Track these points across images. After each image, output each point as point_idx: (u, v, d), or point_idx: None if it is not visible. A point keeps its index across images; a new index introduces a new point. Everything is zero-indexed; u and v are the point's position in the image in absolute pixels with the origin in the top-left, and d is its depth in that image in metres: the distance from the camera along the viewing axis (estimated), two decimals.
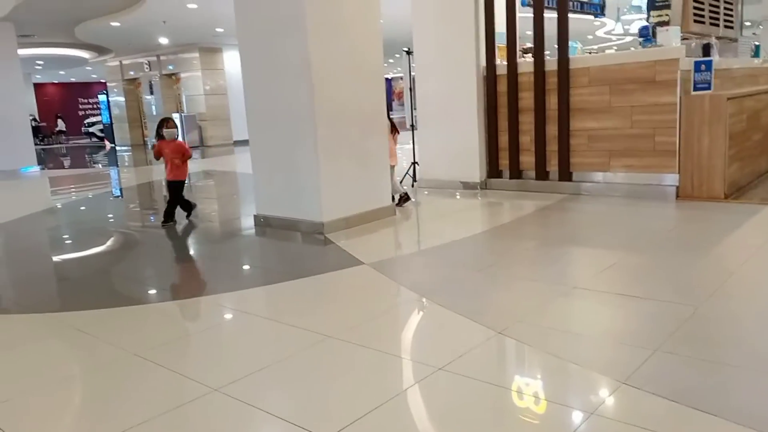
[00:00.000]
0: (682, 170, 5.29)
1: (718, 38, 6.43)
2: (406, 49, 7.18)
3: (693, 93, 5.18)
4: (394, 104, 35.22)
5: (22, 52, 13.45)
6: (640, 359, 2.27)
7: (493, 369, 2.43)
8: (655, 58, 5.33)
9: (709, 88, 5.15)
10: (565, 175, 5.99)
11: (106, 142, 21.90)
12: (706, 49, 6.13)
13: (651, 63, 5.33)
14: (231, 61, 17.83)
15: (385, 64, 5.30)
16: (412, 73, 7.13)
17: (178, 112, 18.53)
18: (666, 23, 6.31)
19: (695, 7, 6.01)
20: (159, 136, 5.81)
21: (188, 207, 5.97)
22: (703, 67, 5.16)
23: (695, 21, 6.03)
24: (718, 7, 6.46)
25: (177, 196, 5.84)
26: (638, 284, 3.24)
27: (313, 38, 4.65)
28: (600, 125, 5.71)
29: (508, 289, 3.33)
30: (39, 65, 22.03)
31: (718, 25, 6.48)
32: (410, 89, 7.24)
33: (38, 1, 9.98)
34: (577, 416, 1.95)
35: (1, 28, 11.73)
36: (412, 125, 7.33)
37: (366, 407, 2.05)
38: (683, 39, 5.79)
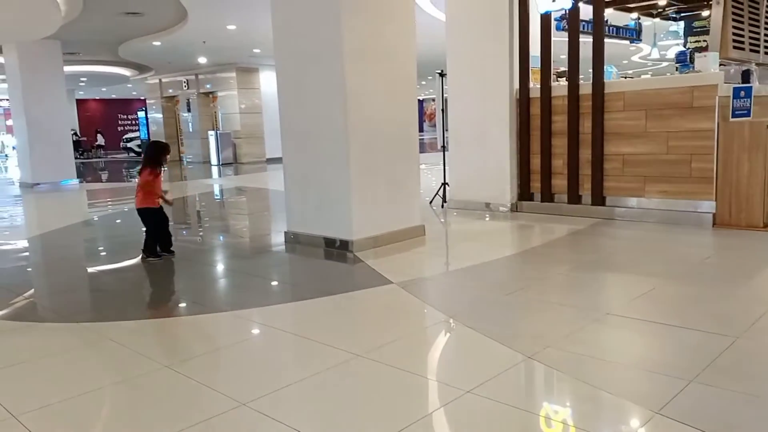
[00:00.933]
0: (720, 197, 5.18)
1: (758, 65, 6.31)
2: (439, 71, 7.23)
3: (732, 120, 5.09)
4: (425, 125, 35.38)
5: (67, 69, 13.92)
6: (675, 389, 2.20)
7: (522, 394, 2.39)
8: (693, 83, 5.26)
9: (748, 115, 5.05)
10: (598, 199, 5.92)
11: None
12: (746, 76, 6.02)
13: (688, 89, 5.26)
14: (267, 81, 18.15)
15: (417, 86, 5.34)
16: (445, 95, 7.17)
17: (213, 129, 18.91)
18: (704, 49, 6.23)
19: (735, 33, 5.92)
20: (159, 163, 5.02)
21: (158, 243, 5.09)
22: (742, 93, 5.07)
23: (734, 47, 5.93)
24: (758, 33, 6.35)
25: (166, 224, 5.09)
26: (674, 313, 3.16)
27: (350, 62, 4.72)
28: (635, 150, 5.64)
29: (538, 313, 3.29)
30: (82, 82, 22.76)
31: (758, 52, 6.36)
32: (442, 110, 7.28)
33: (85, 20, 10.35)
34: None
35: (48, 45, 12.17)
36: (444, 146, 7.36)
37: (393, 428, 2.04)
38: (721, 65, 5.70)
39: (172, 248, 5.12)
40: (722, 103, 5.13)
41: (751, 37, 6.22)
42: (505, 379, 2.42)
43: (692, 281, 3.76)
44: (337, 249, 4.96)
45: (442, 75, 7.16)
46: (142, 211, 5.02)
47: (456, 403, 2.21)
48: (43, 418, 2.25)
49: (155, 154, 5.06)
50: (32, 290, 4.42)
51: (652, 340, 2.83)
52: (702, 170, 5.26)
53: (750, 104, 5.04)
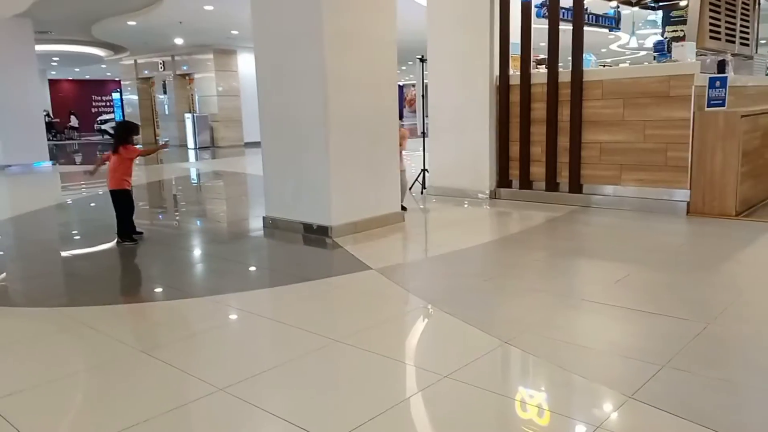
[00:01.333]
0: (694, 186, 5.27)
1: (733, 55, 6.41)
2: (419, 56, 7.20)
3: (707, 109, 5.16)
4: (405, 111, 35.29)
5: (38, 48, 13.55)
6: (647, 374, 2.25)
7: (499, 379, 2.42)
8: (670, 73, 5.32)
9: (723, 105, 5.13)
10: (576, 187, 5.98)
11: None
12: (721, 66, 6.11)
13: (665, 78, 5.32)
14: (245, 63, 17.93)
15: (398, 71, 5.32)
16: (425, 81, 7.15)
17: (190, 112, 18.64)
18: (681, 39, 6.29)
19: (711, 24, 6.00)
20: (128, 142, 4.88)
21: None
22: (717, 83, 5.14)
23: (711, 37, 6.01)
24: (734, 24, 6.44)
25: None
26: (648, 299, 3.22)
27: (330, 47, 4.68)
28: (612, 138, 5.70)
29: (515, 299, 3.32)
30: (55, 62, 22.22)
31: (734, 42, 6.45)
32: (423, 97, 7.26)
33: None
34: (581, 430, 1.94)
35: (19, 23, 11.83)
36: (423, 132, 7.35)
37: (370, 412, 2.05)
38: (698, 55, 5.77)
39: (138, 230, 5.09)
40: (698, 93, 5.19)
41: (727, 28, 6.31)
42: (482, 364, 2.44)
43: (666, 268, 3.83)
44: (315, 234, 4.94)
45: (422, 60, 7.13)
46: (118, 193, 4.93)
47: (433, 388, 2.23)
48: (16, 403, 2.22)
49: (129, 134, 5.00)
50: (4, 274, 4.34)
51: (626, 325, 2.88)
52: (677, 159, 5.33)
53: (725, 94, 5.12)
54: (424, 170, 7.21)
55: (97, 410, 2.20)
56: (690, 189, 5.29)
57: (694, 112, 5.20)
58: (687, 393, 2.13)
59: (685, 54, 5.45)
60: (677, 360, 2.37)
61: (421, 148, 7.34)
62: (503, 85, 6.41)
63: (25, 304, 3.59)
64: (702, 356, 2.43)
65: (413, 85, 34.54)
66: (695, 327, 2.72)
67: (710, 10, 5.99)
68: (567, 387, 2.26)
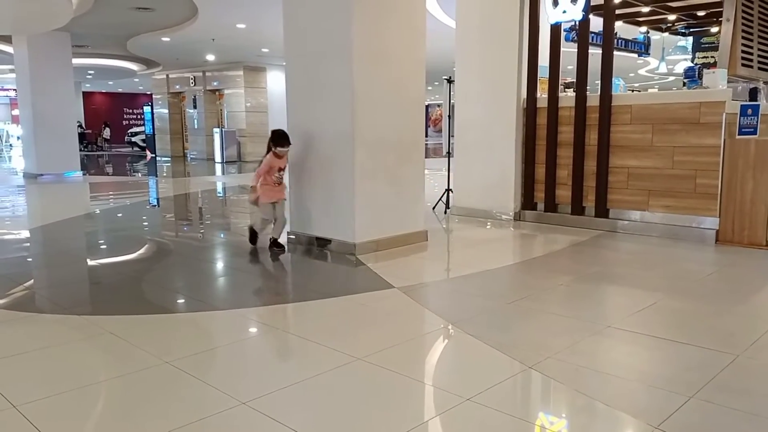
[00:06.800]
0: (723, 214, 5.18)
1: (765, 83, 6.33)
2: (446, 77, 7.25)
3: (738, 137, 5.10)
4: (429, 131, 35.42)
5: (75, 61, 13.93)
6: (675, 405, 2.20)
7: (522, 404, 2.39)
8: (701, 99, 5.27)
9: (754, 133, 5.06)
10: (602, 211, 5.92)
11: (148, 152, 22.49)
12: (753, 94, 6.03)
13: (696, 104, 5.27)
14: (274, 80, 18.20)
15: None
16: (452, 101, 7.18)
17: (219, 127, 18.93)
18: (712, 65, 6.23)
19: (743, 51, 5.94)
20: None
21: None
22: (749, 111, 5.08)
23: (743, 65, 5.94)
24: (767, 51, 6.36)
25: None
26: (675, 328, 3.16)
27: (359, 66, 4.74)
28: (640, 163, 5.64)
29: (539, 323, 3.29)
30: (90, 75, 22.79)
31: (766, 70, 6.37)
32: (449, 117, 7.29)
33: (96, 14, 10.38)
34: None
35: (58, 38, 12.18)
36: (448, 152, 7.37)
37: None
38: (730, 82, 5.71)
39: None
40: (729, 120, 5.13)
41: (760, 55, 6.24)
42: (505, 388, 2.41)
43: (694, 297, 3.76)
44: (339, 251, 4.96)
45: (449, 81, 7.17)
46: None
47: (455, 411, 2.21)
48: (43, 409, 2.25)
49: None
50: (32, 281, 4.43)
51: (653, 354, 2.83)
52: (706, 186, 5.26)
53: (757, 122, 5.05)
54: (448, 190, 7.21)
55: (120, 419, 2.22)
56: (719, 217, 5.20)
57: (724, 140, 5.14)
58: (715, 426, 2.08)
59: (717, 81, 5.40)
60: (705, 391, 2.32)
61: (446, 168, 7.35)
62: (530, 108, 6.41)
63: (53, 311, 3.65)
64: (731, 388, 2.37)
65: (438, 105, 34.69)
66: (724, 358, 2.66)
67: (743, 38, 5.93)
68: (591, 414, 2.22)
